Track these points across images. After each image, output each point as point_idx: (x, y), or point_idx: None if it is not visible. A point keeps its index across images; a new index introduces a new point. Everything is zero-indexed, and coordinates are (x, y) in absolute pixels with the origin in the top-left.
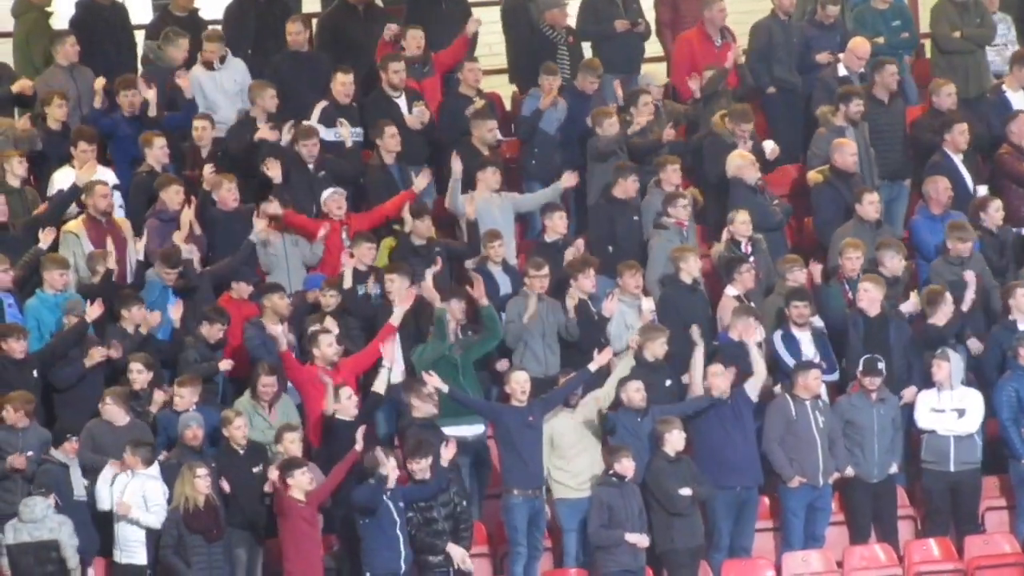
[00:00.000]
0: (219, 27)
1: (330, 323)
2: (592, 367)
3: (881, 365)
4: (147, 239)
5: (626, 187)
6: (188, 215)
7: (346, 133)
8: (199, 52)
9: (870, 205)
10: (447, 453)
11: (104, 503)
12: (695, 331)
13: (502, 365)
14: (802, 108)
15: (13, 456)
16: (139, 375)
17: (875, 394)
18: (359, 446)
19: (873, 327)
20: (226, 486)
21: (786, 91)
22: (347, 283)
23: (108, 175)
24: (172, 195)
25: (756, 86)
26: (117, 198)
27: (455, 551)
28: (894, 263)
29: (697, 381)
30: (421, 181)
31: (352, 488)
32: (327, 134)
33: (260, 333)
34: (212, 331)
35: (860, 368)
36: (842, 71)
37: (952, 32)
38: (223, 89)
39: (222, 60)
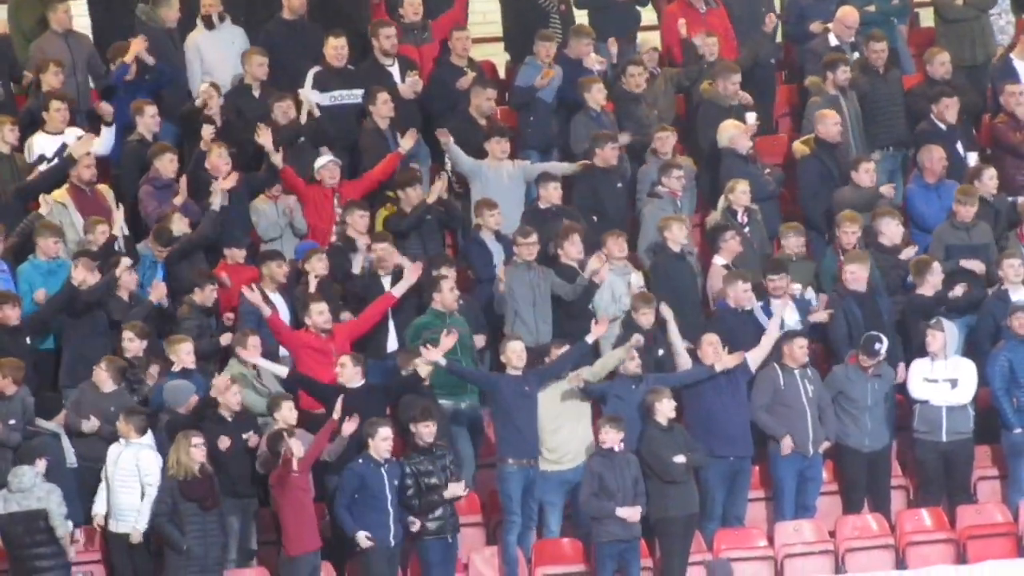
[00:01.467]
0: None
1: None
2: (589, 339)
3: (879, 346)
4: (142, 206)
5: (605, 155)
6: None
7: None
8: (198, 15)
9: (866, 174)
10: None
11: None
12: (664, 308)
13: (479, 340)
14: (779, 79)
15: None
16: (131, 343)
17: (871, 369)
18: (336, 414)
19: (865, 303)
20: (225, 442)
21: (758, 64)
22: (356, 268)
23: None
24: (166, 163)
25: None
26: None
27: (454, 487)
28: (891, 230)
29: (680, 353)
30: (407, 142)
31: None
32: (322, 99)
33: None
34: (205, 296)
35: (861, 344)
36: (833, 41)
37: (955, 0)
38: (221, 51)
39: (220, 18)
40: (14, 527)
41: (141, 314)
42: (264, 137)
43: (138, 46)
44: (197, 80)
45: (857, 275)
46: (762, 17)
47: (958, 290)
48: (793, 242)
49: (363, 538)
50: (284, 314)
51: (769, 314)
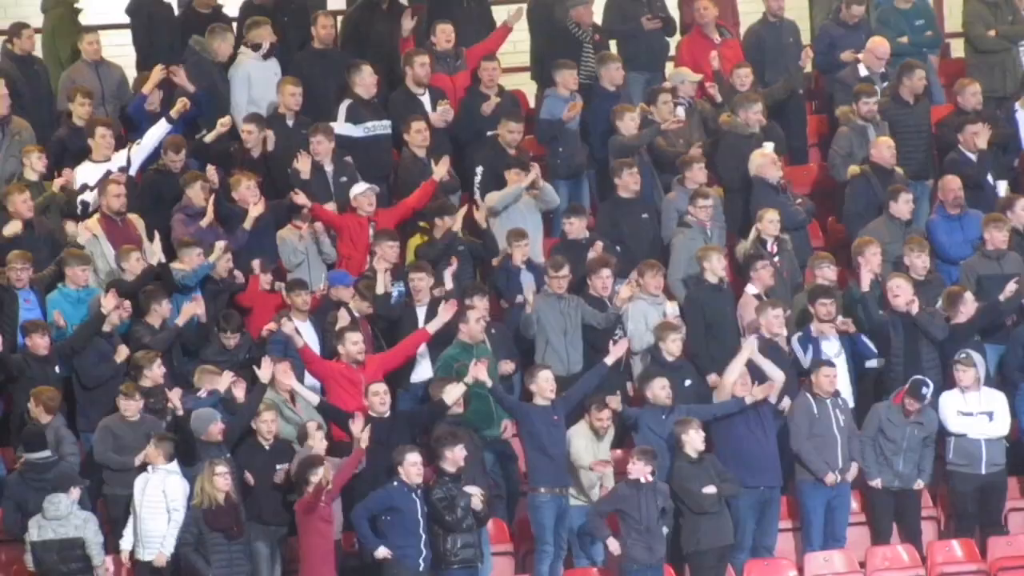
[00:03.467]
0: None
1: (343, 316)
2: (608, 360)
3: (925, 391)
4: (174, 234)
5: (626, 183)
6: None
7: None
8: (243, 44)
9: (905, 204)
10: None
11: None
12: (751, 340)
13: (507, 367)
14: (808, 108)
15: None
16: (150, 372)
17: (913, 415)
18: (364, 443)
19: (910, 327)
20: (250, 479)
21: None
22: (380, 288)
23: (121, 157)
24: (197, 192)
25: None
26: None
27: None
28: (919, 263)
29: (729, 385)
30: (440, 169)
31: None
32: (355, 131)
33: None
34: (227, 339)
35: (907, 388)
36: (863, 71)
37: (987, 31)
38: (269, 81)
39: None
40: (48, 554)
41: (167, 340)
42: (303, 164)
43: (157, 76)
44: (242, 108)
45: (904, 291)
46: (789, 46)
47: (1009, 289)
48: (827, 272)
49: (382, 551)
50: (312, 342)
51: (806, 345)
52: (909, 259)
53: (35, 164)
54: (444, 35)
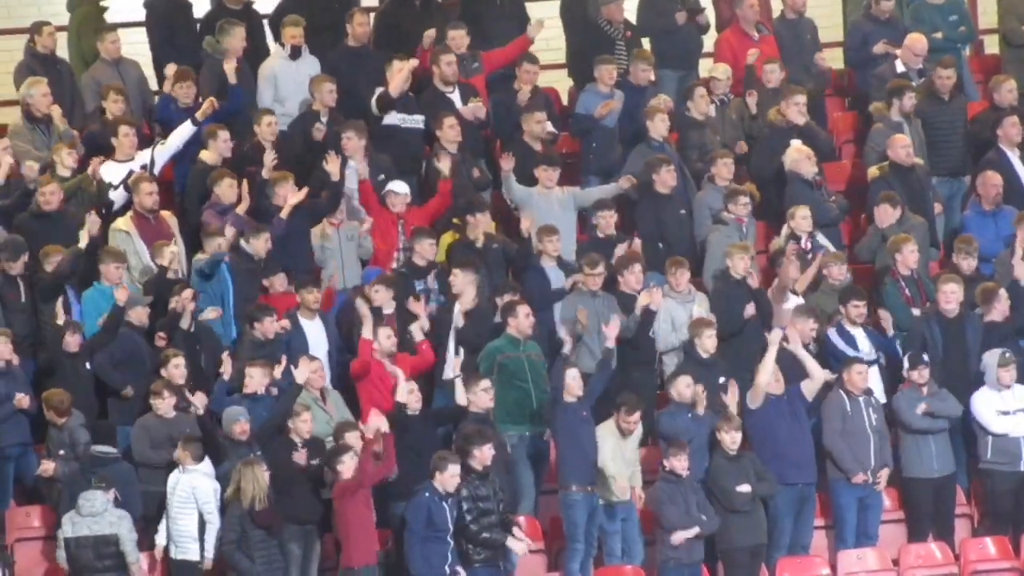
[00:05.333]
0: (298, 16)
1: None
2: (609, 344)
3: (926, 356)
4: (204, 230)
5: (664, 180)
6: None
7: (334, 169)
8: (278, 40)
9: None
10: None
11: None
12: (776, 333)
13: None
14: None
15: (44, 464)
16: (176, 370)
17: (926, 389)
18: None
19: (951, 328)
20: (301, 457)
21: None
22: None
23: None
24: (226, 189)
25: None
26: None
27: (517, 546)
28: (965, 264)
29: (763, 385)
30: (444, 165)
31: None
32: (393, 119)
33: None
34: (265, 327)
35: (907, 365)
36: (900, 67)
37: (1021, 25)
38: (297, 81)
39: (301, 50)
40: (82, 551)
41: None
42: (332, 165)
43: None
44: (269, 107)
45: (957, 295)
46: (807, 44)
47: None
48: (834, 271)
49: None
50: (320, 340)
51: (844, 338)
52: (957, 259)
53: (64, 160)
54: (456, 40)
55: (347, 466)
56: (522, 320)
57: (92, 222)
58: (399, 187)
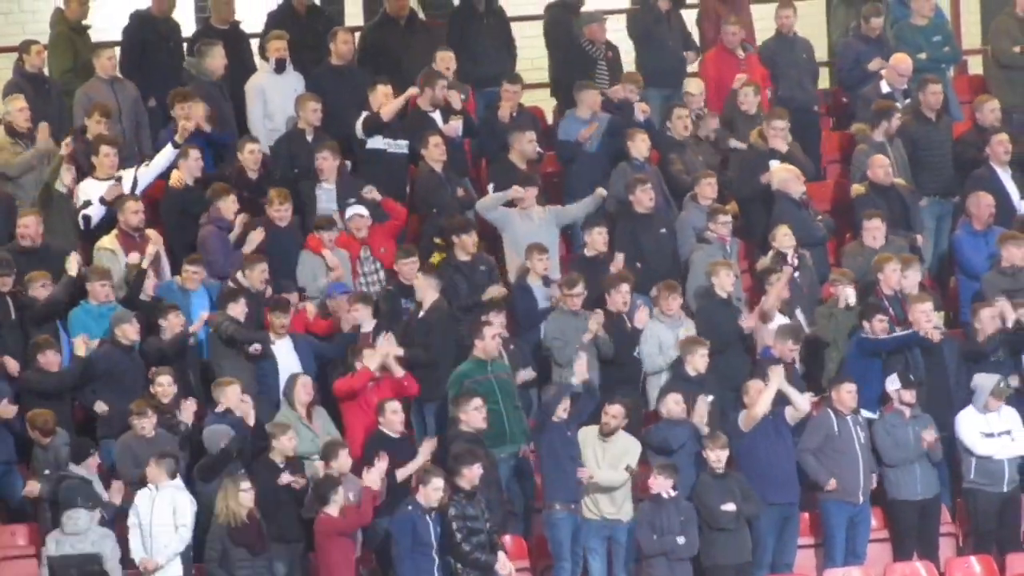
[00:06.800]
0: (281, 31)
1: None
2: (574, 380)
3: (912, 376)
4: (205, 245)
5: (641, 199)
6: (257, 235)
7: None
8: (263, 55)
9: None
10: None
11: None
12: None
13: (526, 374)
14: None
15: (30, 485)
16: (162, 388)
17: (908, 411)
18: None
19: (932, 350)
20: (296, 481)
21: (798, 109)
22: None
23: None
24: (228, 204)
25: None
26: None
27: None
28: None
29: (759, 416)
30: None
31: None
32: (377, 143)
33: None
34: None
35: (895, 387)
36: (885, 88)
37: (1012, 46)
38: (284, 95)
39: (285, 64)
40: (66, 570)
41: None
42: (326, 163)
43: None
44: (259, 123)
45: (932, 316)
46: (803, 63)
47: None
48: (848, 291)
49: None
50: (291, 359)
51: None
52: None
53: (63, 176)
54: (444, 62)
55: (334, 506)
56: (488, 342)
57: (74, 258)
58: (362, 210)
